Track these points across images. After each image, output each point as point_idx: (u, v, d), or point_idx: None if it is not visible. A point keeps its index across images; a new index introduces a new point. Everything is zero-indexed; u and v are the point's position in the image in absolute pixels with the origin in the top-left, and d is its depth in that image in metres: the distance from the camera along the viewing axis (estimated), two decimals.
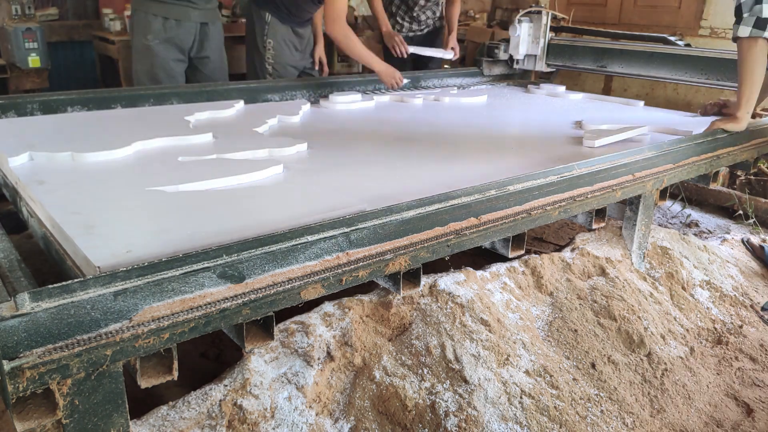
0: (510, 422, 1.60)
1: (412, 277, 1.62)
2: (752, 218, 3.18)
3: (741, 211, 3.25)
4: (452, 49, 3.62)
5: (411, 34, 3.82)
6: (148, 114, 2.62)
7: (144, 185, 1.71)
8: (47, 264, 1.84)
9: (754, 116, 3.16)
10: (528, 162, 2.18)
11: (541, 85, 3.83)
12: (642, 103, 3.45)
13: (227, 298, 1.22)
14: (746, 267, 2.68)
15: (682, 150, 2.32)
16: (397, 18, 3.70)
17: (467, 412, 1.57)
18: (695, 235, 3.03)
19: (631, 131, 2.55)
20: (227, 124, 2.55)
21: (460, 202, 1.60)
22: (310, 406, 1.51)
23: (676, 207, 3.46)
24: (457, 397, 1.61)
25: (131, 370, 1.19)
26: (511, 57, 4.04)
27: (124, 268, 1.10)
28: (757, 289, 2.57)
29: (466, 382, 1.64)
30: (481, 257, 2.28)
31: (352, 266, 1.40)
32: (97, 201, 1.59)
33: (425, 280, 1.86)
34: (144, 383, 1.18)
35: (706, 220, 3.32)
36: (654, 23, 4.51)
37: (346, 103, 3.08)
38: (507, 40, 4.02)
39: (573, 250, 2.32)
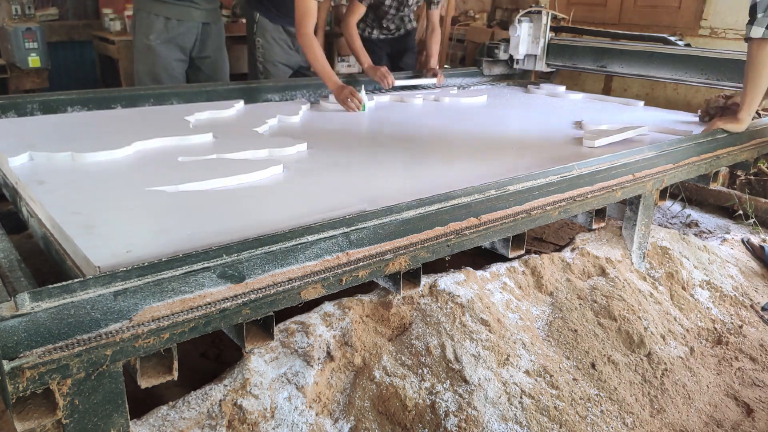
0: (510, 422, 1.60)
1: (412, 277, 1.62)
2: (752, 218, 3.18)
3: (741, 211, 3.25)
4: (434, 74, 3.62)
5: (382, 36, 3.82)
6: (148, 114, 2.63)
7: (144, 185, 1.71)
8: (47, 264, 1.84)
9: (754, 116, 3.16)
10: (528, 162, 2.18)
11: (541, 85, 3.83)
12: (642, 103, 3.45)
13: (227, 298, 1.22)
14: (746, 267, 2.68)
15: (682, 150, 2.32)
16: (366, 25, 3.70)
17: (467, 412, 1.57)
18: (695, 235, 3.03)
19: (631, 131, 2.55)
20: (227, 124, 2.55)
21: (460, 202, 1.60)
22: (310, 406, 1.51)
23: (676, 207, 3.46)
24: (457, 397, 1.61)
25: (131, 370, 1.19)
26: (511, 57, 4.04)
27: (124, 268, 1.10)
28: (757, 289, 2.57)
29: (466, 382, 1.64)
30: (481, 257, 2.28)
31: (352, 266, 1.40)
32: (97, 201, 1.59)
33: (425, 280, 1.86)
34: (144, 383, 1.18)
35: (706, 220, 3.32)
36: (654, 23, 4.50)
37: None
38: (507, 40, 4.02)
39: (573, 250, 2.32)
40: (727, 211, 3.40)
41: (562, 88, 3.75)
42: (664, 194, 2.40)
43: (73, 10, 5.39)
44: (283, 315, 1.56)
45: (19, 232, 2.08)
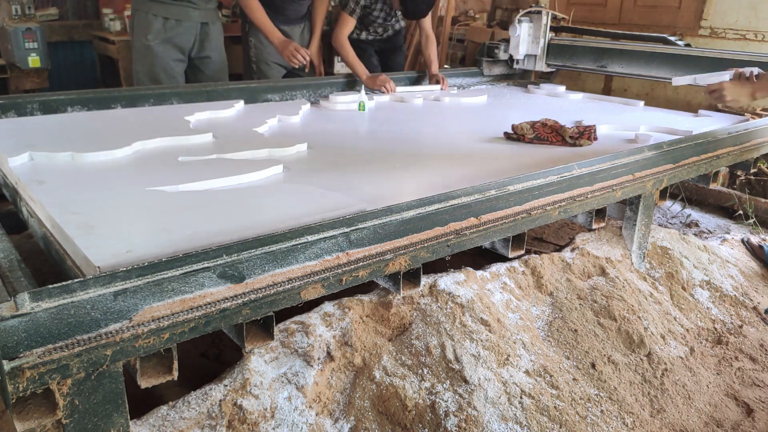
0: (510, 422, 1.60)
1: (412, 277, 1.62)
2: (752, 218, 3.18)
3: (741, 211, 3.25)
4: (437, 81, 3.61)
5: (370, 38, 3.82)
6: (148, 114, 2.62)
7: (144, 185, 1.71)
8: (47, 264, 1.84)
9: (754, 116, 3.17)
10: (528, 162, 2.18)
11: (541, 85, 3.83)
12: (642, 103, 3.45)
13: (227, 298, 1.22)
14: (746, 267, 2.68)
15: (682, 150, 2.32)
16: (354, 27, 3.69)
17: (467, 412, 1.57)
18: (695, 235, 3.03)
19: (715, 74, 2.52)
20: (227, 124, 2.55)
21: (460, 202, 1.60)
22: (310, 406, 1.51)
23: (676, 207, 3.46)
24: (457, 397, 1.61)
25: (131, 370, 1.19)
26: (511, 57, 4.04)
27: (124, 268, 1.10)
28: (757, 289, 2.57)
29: (466, 382, 1.64)
30: (481, 257, 2.28)
31: (352, 266, 1.40)
32: (97, 201, 1.59)
33: (425, 280, 1.86)
34: (144, 383, 1.18)
35: (706, 220, 3.32)
36: (654, 23, 4.50)
37: (346, 103, 3.08)
38: (507, 40, 4.02)
39: (573, 250, 2.32)
40: (727, 211, 3.40)
41: (562, 88, 3.75)
42: (664, 194, 2.40)
43: (73, 10, 5.39)
44: (283, 315, 1.56)
45: (19, 232, 2.08)
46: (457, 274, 1.94)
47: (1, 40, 4.52)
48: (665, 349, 2.03)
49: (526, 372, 1.75)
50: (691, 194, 3.53)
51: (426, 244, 1.55)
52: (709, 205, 3.49)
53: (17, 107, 2.50)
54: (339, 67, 5.23)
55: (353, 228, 1.39)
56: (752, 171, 3.33)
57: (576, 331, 1.97)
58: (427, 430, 1.55)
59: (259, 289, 1.26)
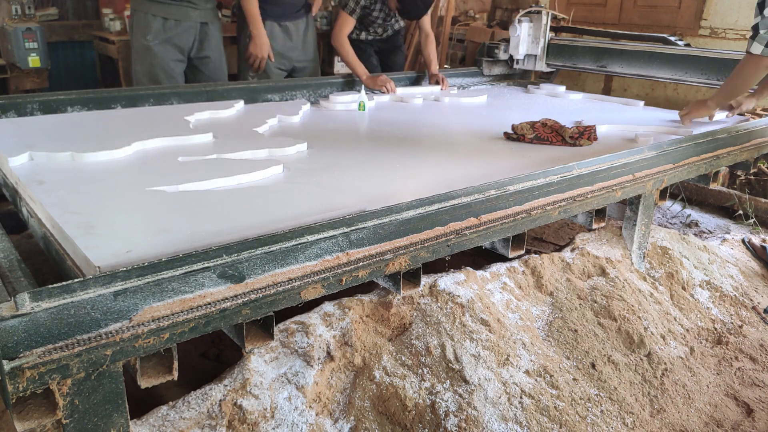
0: (510, 422, 1.60)
1: (412, 277, 1.62)
2: (752, 218, 3.18)
3: (741, 211, 3.25)
4: (437, 81, 3.62)
5: (369, 38, 3.82)
6: (148, 114, 2.62)
7: (144, 185, 1.71)
8: (47, 264, 1.84)
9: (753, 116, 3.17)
10: (528, 162, 2.18)
11: (541, 85, 3.83)
12: (642, 103, 3.45)
13: (227, 298, 1.22)
14: (746, 267, 2.68)
15: (682, 150, 2.32)
16: (354, 27, 3.70)
17: (467, 412, 1.57)
18: (695, 235, 3.03)
19: None
20: (227, 124, 2.55)
21: (460, 202, 1.60)
22: (310, 406, 1.51)
23: (676, 207, 3.46)
24: (457, 397, 1.61)
25: (131, 370, 1.19)
26: (511, 57, 4.04)
27: (124, 268, 1.10)
28: (757, 289, 2.57)
29: (466, 382, 1.64)
30: (481, 257, 2.28)
31: (352, 266, 1.40)
32: (97, 201, 1.59)
33: (425, 280, 1.86)
34: (144, 383, 1.18)
35: (706, 220, 3.31)
36: (654, 23, 4.51)
37: (346, 103, 3.08)
38: (507, 40, 4.02)
39: (573, 250, 2.32)
40: (727, 211, 3.40)
41: (562, 88, 3.75)
42: (664, 194, 2.40)
43: (73, 10, 5.39)
44: (283, 315, 1.56)
45: (19, 232, 2.09)
46: (457, 274, 1.94)
47: (1, 40, 4.52)
48: (665, 349, 2.03)
49: (526, 372, 1.75)
50: (691, 194, 3.53)
51: (426, 244, 1.55)
52: (709, 205, 3.49)
53: (17, 107, 2.50)
54: (339, 67, 5.23)
55: (353, 228, 1.39)
56: (752, 171, 3.34)
57: (576, 331, 1.97)
58: (427, 430, 1.55)
59: (259, 289, 1.26)
